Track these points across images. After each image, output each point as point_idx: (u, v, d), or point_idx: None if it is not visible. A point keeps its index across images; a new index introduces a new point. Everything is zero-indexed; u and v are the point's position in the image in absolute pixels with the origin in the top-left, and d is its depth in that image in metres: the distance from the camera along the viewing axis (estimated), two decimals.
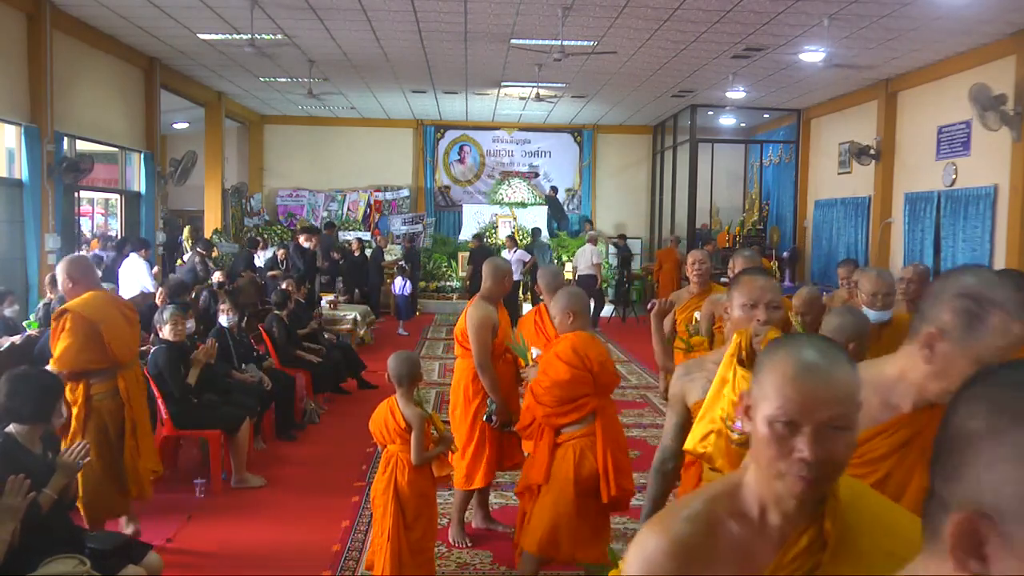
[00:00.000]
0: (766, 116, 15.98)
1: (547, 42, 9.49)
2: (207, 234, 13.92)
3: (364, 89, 13.65)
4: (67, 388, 4.01)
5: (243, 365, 6.56)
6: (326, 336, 8.66)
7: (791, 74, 11.48)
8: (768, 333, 2.29)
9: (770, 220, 16.37)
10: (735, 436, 2.18)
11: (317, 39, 10.02)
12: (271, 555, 4.48)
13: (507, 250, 13.72)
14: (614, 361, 4.09)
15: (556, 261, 14.94)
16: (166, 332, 5.46)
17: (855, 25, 8.74)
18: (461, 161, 17.95)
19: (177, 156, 12.48)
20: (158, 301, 7.05)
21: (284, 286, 8.11)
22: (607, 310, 14.43)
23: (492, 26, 9.33)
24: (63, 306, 4.31)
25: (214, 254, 12.08)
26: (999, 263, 9.11)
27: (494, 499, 5.17)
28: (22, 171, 8.42)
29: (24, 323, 6.56)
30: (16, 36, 8.31)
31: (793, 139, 15.08)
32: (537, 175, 17.98)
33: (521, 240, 15.47)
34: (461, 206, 17.53)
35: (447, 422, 4.61)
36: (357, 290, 13.49)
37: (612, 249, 15.67)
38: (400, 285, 12.96)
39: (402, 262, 13.78)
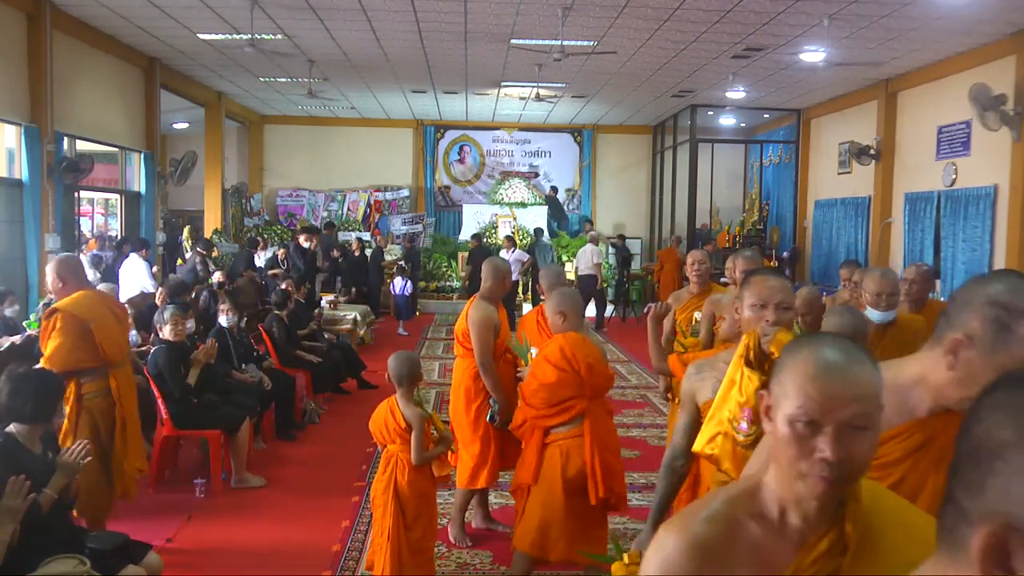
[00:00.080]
0: (766, 116, 15.99)
1: (547, 42, 9.49)
2: (207, 234, 13.92)
3: (364, 89, 13.65)
4: None
5: (243, 365, 6.56)
6: (326, 336, 8.66)
7: (791, 74, 11.49)
8: (777, 334, 2.25)
9: (770, 220, 16.38)
10: (741, 438, 2.18)
11: (317, 39, 10.02)
12: (271, 555, 4.48)
13: (505, 250, 13.73)
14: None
15: (557, 261, 14.92)
16: (166, 332, 5.47)
17: (855, 25, 8.74)
18: (461, 161, 17.95)
19: (177, 156, 12.49)
20: (158, 301, 7.05)
21: (284, 286, 8.11)
22: (607, 310, 14.42)
23: (492, 26, 9.33)
24: (53, 305, 4.32)
25: (214, 254, 12.08)
26: (999, 263, 9.11)
27: (494, 499, 5.17)
28: (22, 171, 8.42)
29: (24, 323, 6.56)
30: (16, 36, 8.32)
31: (793, 139, 15.08)
32: (537, 175, 17.98)
33: (522, 240, 15.47)
34: (461, 206, 17.53)
35: (447, 422, 4.62)
36: (355, 288, 13.49)
37: (611, 249, 15.67)
38: (400, 285, 12.96)
39: (402, 262, 13.79)
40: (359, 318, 10.55)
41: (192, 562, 4.39)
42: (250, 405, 5.91)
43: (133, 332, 6.89)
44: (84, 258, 10.49)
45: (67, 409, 4.19)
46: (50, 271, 4.42)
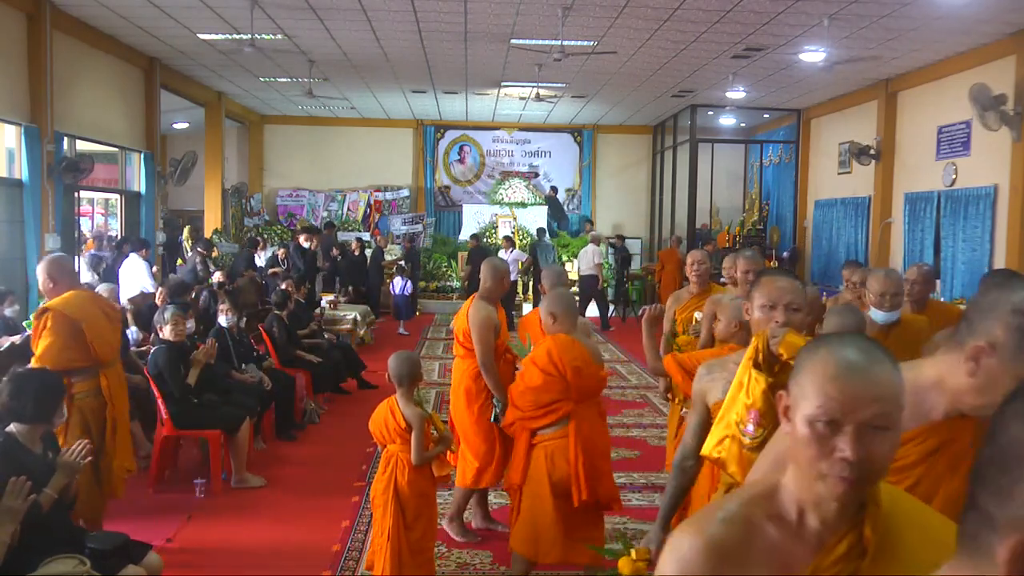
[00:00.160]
0: (766, 116, 15.98)
1: (547, 42, 9.48)
2: (207, 234, 13.92)
3: (364, 89, 13.65)
4: None
5: (243, 365, 6.56)
6: (326, 336, 8.66)
7: (791, 74, 11.48)
8: (785, 336, 2.22)
9: (770, 220, 16.37)
10: (746, 441, 2.17)
11: (317, 39, 10.02)
12: (271, 555, 4.48)
13: (504, 250, 13.74)
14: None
15: (558, 261, 14.92)
16: (166, 332, 5.47)
17: (855, 25, 8.74)
18: (461, 161, 17.95)
19: (177, 156, 12.49)
20: (158, 301, 7.05)
21: (284, 286, 8.11)
22: (609, 310, 14.42)
23: (492, 26, 9.33)
24: (44, 304, 4.33)
25: (214, 254, 12.08)
26: (999, 263, 9.11)
27: (494, 499, 5.17)
28: (22, 171, 8.41)
29: (24, 323, 6.56)
30: (16, 36, 8.31)
31: (793, 139, 15.07)
32: (537, 175, 17.97)
33: (521, 241, 15.46)
34: (461, 206, 17.53)
35: (447, 422, 4.62)
36: (354, 288, 13.49)
37: (610, 250, 15.67)
38: (400, 285, 12.96)
39: (402, 262, 13.79)
40: (359, 318, 10.55)
41: (192, 562, 4.39)
42: (250, 405, 5.91)
43: (134, 329, 6.91)
44: (82, 258, 10.51)
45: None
46: (40, 271, 4.43)
